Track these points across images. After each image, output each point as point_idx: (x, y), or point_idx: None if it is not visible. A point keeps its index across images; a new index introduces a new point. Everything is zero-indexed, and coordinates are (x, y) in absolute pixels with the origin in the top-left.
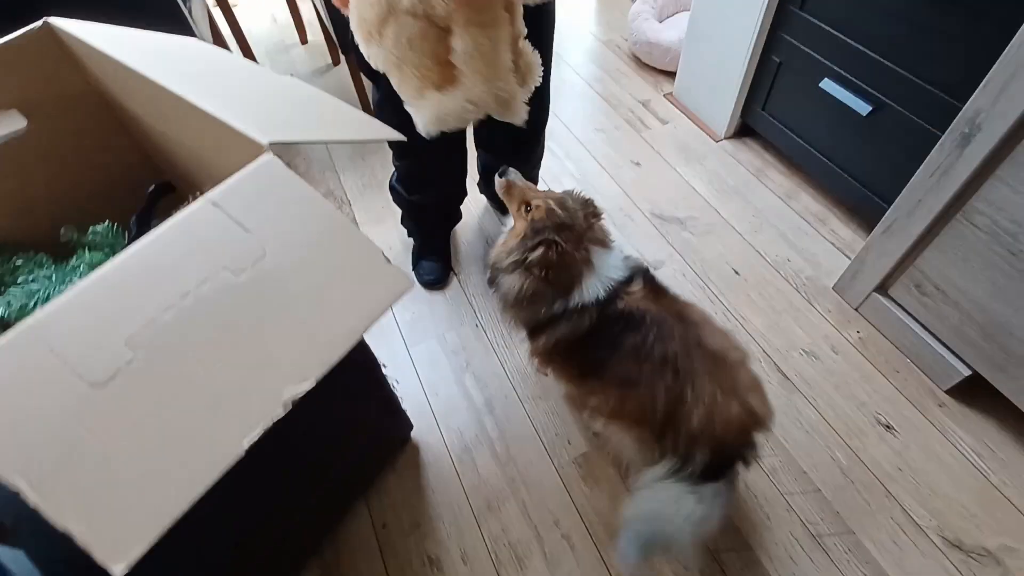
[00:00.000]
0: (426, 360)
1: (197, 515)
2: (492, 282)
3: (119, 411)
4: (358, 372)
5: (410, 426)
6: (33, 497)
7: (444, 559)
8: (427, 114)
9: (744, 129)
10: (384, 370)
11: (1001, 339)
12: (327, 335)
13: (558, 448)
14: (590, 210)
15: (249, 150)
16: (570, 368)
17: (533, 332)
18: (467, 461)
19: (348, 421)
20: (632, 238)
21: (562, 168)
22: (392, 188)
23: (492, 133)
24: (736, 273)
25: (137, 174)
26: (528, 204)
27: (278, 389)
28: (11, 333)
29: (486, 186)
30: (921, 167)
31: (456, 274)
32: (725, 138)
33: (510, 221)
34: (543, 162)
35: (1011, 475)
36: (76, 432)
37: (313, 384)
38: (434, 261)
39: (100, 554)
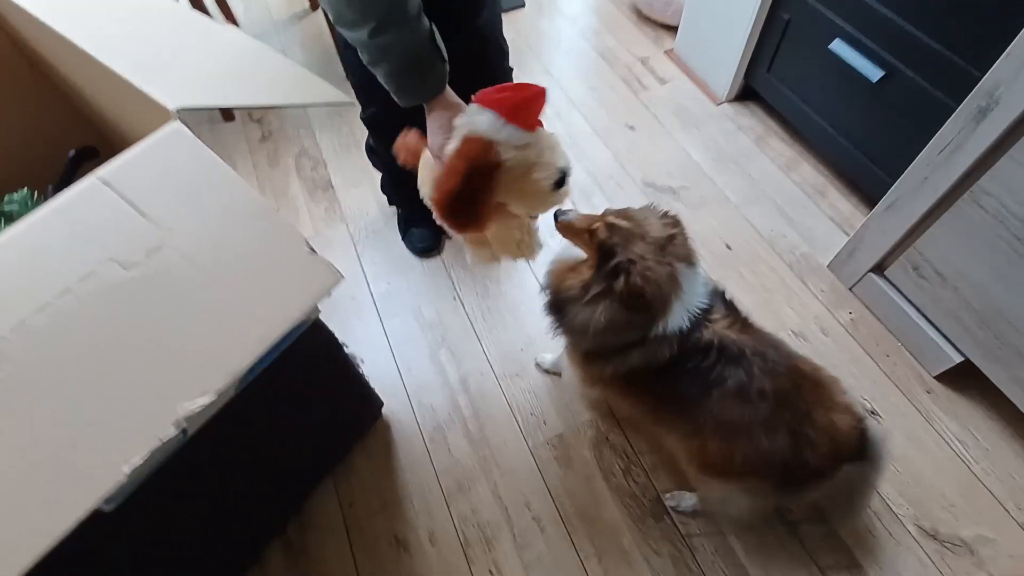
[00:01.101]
0: (400, 334)
1: (146, 497)
2: (555, 310)
3: None
4: (315, 353)
5: (380, 403)
6: None
7: (411, 540)
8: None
9: (746, 92)
10: (346, 349)
11: (998, 327)
12: (235, 341)
13: (533, 428)
14: (668, 220)
15: (156, 116)
16: (639, 402)
17: (592, 357)
18: (439, 440)
19: (307, 401)
20: None
21: (550, 128)
22: (369, 151)
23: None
24: (728, 248)
25: (64, 137)
26: (591, 232)
27: (170, 406)
28: None
29: None
30: (931, 142)
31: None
32: (726, 101)
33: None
34: None
35: (994, 465)
36: None
37: (213, 398)
38: (425, 227)
39: None
